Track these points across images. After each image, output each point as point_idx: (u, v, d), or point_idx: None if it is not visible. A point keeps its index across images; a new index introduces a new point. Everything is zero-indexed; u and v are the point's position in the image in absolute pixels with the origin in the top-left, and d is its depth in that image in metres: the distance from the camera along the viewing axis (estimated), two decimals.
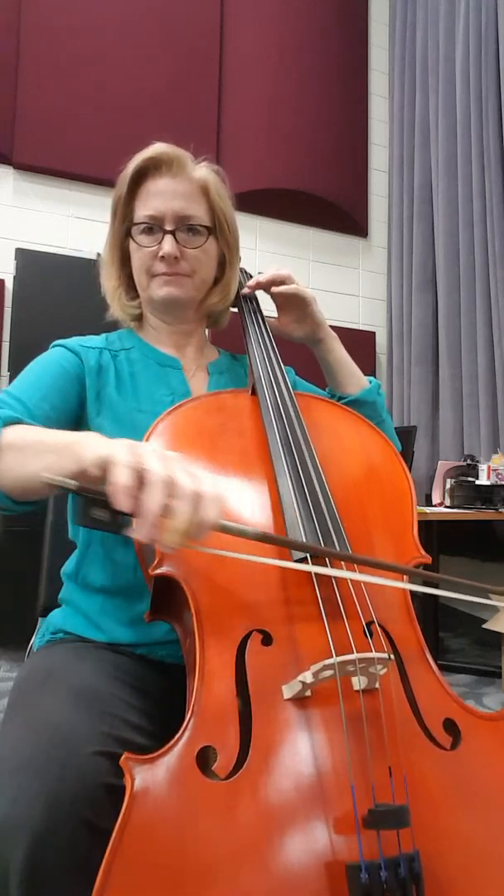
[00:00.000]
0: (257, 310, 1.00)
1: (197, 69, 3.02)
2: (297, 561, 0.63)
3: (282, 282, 0.97)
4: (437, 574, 0.66)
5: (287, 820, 0.49)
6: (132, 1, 2.92)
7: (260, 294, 1.03)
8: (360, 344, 3.29)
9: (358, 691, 0.56)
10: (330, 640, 0.58)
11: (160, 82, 2.92)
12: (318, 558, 0.64)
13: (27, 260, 2.64)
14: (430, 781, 0.54)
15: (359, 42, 3.47)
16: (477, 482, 2.39)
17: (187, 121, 2.90)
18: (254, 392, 0.85)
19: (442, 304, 3.01)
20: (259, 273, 1.02)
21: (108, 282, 0.98)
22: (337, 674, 0.54)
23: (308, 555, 0.63)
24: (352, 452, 0.82)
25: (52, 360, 0.89)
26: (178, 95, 2.95)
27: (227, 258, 0.97)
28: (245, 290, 1.00)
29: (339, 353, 1.00)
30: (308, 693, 0.55)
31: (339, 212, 3.30)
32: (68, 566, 0.90)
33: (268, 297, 1.01)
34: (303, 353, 1.04)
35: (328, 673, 0.54)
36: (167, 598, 0.66)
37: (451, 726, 0.60)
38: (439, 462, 2.76)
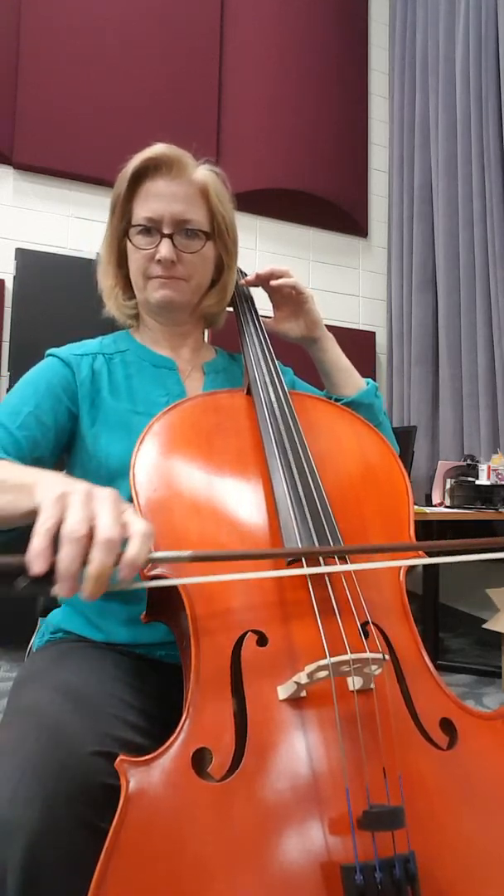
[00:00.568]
0: (253, 309, 1.00)
1: (197, 69, 3.02)
2: (288, 565, 0.63)
3: (281, 276, 0.98)
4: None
5: (282, 821, 0.49)
6: (132, 1, 2.92)
7: (256, 294, 1.03)
8: (360, 344, 3.29)
9: (353, 692, 0.56)
10: (324, 640, 0.58)
11: (160, 82, 2.92)
12: (311, 558, 0.64)
13: (27, 260, 2.64)
14: (427, 782, 0.54)
15: (359, 42, 3.47)
16: (477, 482, 2.39)
17: (187, 121, 2.90)
18: (249, 392, 0.85)
19: (442, 304, 3.01)
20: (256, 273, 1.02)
21: (105, 281, 0.98)
22: (331, 674, 0.54)
23: (303, 557, 0.63)
24: (348, 452, 0.82)
25: (40, 376, 0.89)
26: (178, 95, 2.95)
27: (224, 261, 0.96)
28: (242, 282, 1.00)
29: (336, 354, 1.00)
30: (303, 694, 0.55)
31: (339, 212, 3.30)
32: None
33: (264, 297, 1.01)
34: (301, 356, 1.04)
35: (323, 674, 0.54)
36: (163, 599, 0.66)
37: (447, 726, 0.59)
38: (439, 462, 2.75)
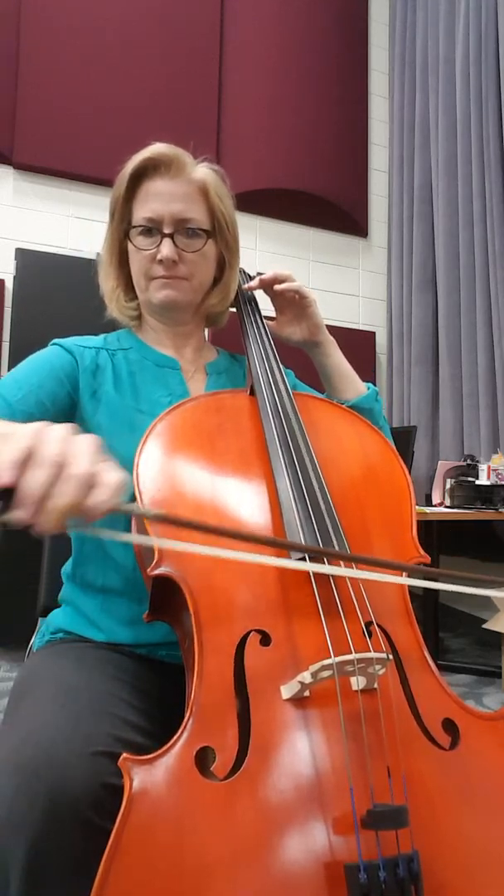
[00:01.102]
0: (256, 310, 1.00)
1: (197, 69, 3.02)
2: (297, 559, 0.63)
3: (284, 280, 0.98)
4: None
5: (285, 820, 0.49)
6: (132, 1, 2.92)
7: (259, 296, 1.03)
8: (360, 344, 3.29)
9: (357, 692, 0.56)
10: (328, 640, 0.58)
11: (160, 82, 2.92)
12: (315, 558, 0.64)
13: (27, 260, 2.64)
14: (429, 781, 0.54)
15: (359, 42, 3.47)
16: (477, 482, 2.39)
17: (187, 121, 2.90)
18: (252, 392, 0.85)
19: (442, 304, 3.01)
20: (258, 273, 1.02)
21: (107, 282, 0.97)
22: (335, 674, 0.54)
23: (305, 554, 0.63)
24: (350, 452, 0.82)
25: (45, 358, 0.89)
26: (178, 95, 2.95)
27: (226, 259, 0.96)
28: (245, 287, 1.00)
29: (337, 358, 1.00)
30: (307, 693, 0.55)
31: (339, 212, 3.30)
32: (68, 566, 0.90)
33: (266, 298, 1.01)
34: (301, 360, 1.05)
35: (326, 673, 0.54)
36: (165, 598, 0.66)
37: (450, 726, 0.60)
38: (439, 462, 2.76)
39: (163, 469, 0.71)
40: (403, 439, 2.66)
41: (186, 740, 0.52)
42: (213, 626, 0.60)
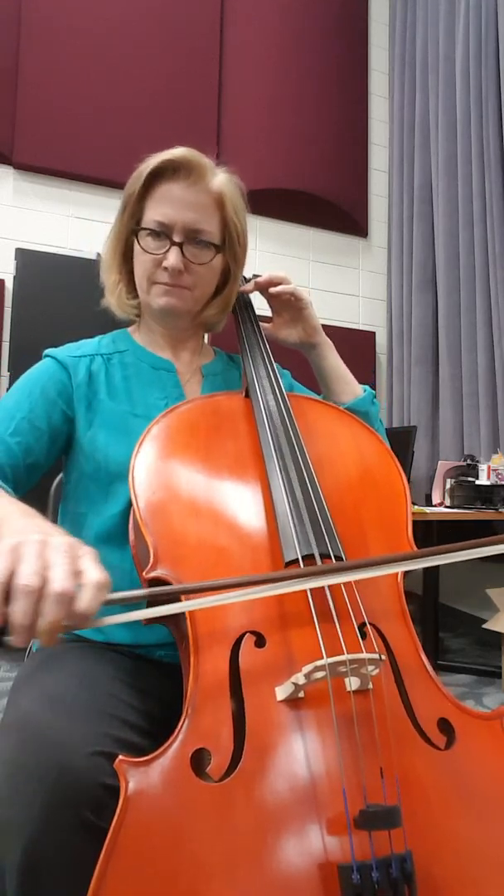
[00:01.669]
0: (252, 312, 1.00)
1: (197, 69, 3.01)
2: (287, 565, 0.63)
3: (279, 283, 0.98)
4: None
5: (280, 821, 0.49)
6: (132, 1, 2.92)
7: (254, 296, 1.04)
8: (360, 344, 3.29)
9: (350, 692, 0.57)
10: (321, 641, 0.58)
11: (160, 82, 2.92)
12: (308, 562, 0.64)
13: (27, 260, 2.64)
14: (424, 781, 0.55)
15: (359, 42, 3.46)
16: (477, 482, 2.39)
17: (187, 121, 2.90)
18: (248, 394, 0.85)
19: (442, 304, 3.01)
20: (254, 275, 1.02)
21: (110, 276, 0.96)
22: (328, 675, 0.54)
23: (300, 557, 0.64)
24: (346, 454, 0.82)
25: (35, 380, 0.89)
26: (178, 95, 2.95)
27: (231, 272, 0.96)
28: (240, 289, 1.01)
29: (334, 361, 1.00)
30: (301, 694, 0.56)
31: (339, 212, 3.30)
32: None
33: (261, 298, 1.01)
34: (298, 361, 1.05)
35: (320, 674, 0.54)
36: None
37: (445, 726, 0.60)
38: (439, 462, 2.75)
39: (158, 472, 0.72)
40: (403, 439, 2.66)
41: (182, 742, 0.53)
42: (208, 628, 0.60)
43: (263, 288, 0.99)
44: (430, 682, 0.63)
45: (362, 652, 0.57)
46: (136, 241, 0.89)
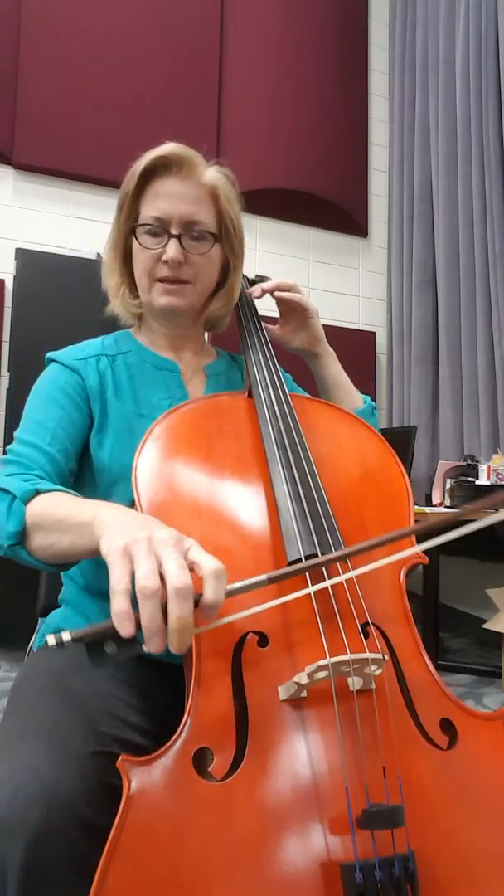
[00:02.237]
0: (255, 313, 1.00)
1: (197, 69, 3.01)
2: (290, 564, 0.63)
3: (287, 289, 0.98)
4: (419, 525, 0.64)
5: (282, 820, 0.49)
6: (132, 1, 2.92)
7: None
8: (360, 344, 3.29)
9: (353, 692, 0.56)
10: (324, 641, 0.58)
11: (160, 82, 2.92)
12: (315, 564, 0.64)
13: (27, 260, 2.64)
14: (427, 781, 0.55)
15: (359, 42, 3.46)
16: (477, 482, 2.39)
17: (187, 121, 2.90)
18: (251, 394, 0.85)
19: (442, 304, 3.01)
20: (258, 277, 1.02)
21: (111, 278, 0.96)
22: (331, 674, 0.54)
23: (303, 557, 0.63)
24: (348, 454, 0.82)
25: (56, 386, 0.88)
26: (178, 95, 2.94)
27: (231, 264, 0.96)
28: (248, 292, 1.01)
29: (335, 371, 1.00)
30: (304, 694, 0.56)
31: (339, 212, 3.30)
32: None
33: (264, 299, 1.01)
34: (299, 368, 1.05)
35: (322, 674, 0.54)
36: None
37: (447, 726, 0.60)
38: (439, 462, 2.76)
39: (161, 472, 0.72)
40: (403, 439, 2.66)
41: (184, 741, 0.53)
42: (211, 628, 0.60)
43: (269, 292, 0.99)
44: (432, 682, 0.63)
45: (365, 652, 0.57)
46: (134, 240, 0.90)
